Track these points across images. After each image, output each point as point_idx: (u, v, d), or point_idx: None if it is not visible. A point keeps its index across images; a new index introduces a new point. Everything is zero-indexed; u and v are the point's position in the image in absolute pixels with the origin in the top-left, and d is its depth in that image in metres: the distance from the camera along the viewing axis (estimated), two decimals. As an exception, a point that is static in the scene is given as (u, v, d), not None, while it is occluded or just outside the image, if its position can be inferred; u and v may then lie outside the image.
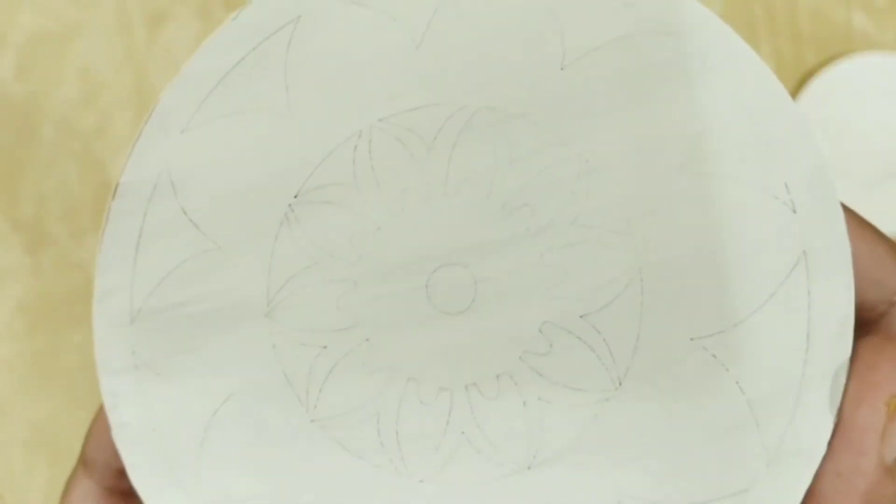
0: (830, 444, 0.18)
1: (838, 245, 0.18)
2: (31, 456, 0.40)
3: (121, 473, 0.21)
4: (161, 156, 0.20)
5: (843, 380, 0.18)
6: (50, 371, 0.41)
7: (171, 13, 0.41)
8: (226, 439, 0.19)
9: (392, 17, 0.20)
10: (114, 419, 0.20)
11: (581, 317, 0.19)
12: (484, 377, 0.19)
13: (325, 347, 0.19)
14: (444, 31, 0.20)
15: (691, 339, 0.18)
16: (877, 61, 0.40)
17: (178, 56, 0.41)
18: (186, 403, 0.19)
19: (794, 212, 0.18)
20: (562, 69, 0.19)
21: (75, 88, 0.41)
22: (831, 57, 0.40)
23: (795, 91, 0.40)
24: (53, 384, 0.41)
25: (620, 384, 0.19)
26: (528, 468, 0.19)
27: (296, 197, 0.20)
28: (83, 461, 0.22)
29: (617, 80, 0.19)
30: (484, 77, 0.19)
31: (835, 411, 0.18)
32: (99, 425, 0.21)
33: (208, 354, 0.20)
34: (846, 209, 0.19)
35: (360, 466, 0.19)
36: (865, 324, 0.19)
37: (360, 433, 0.19)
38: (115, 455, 0.20)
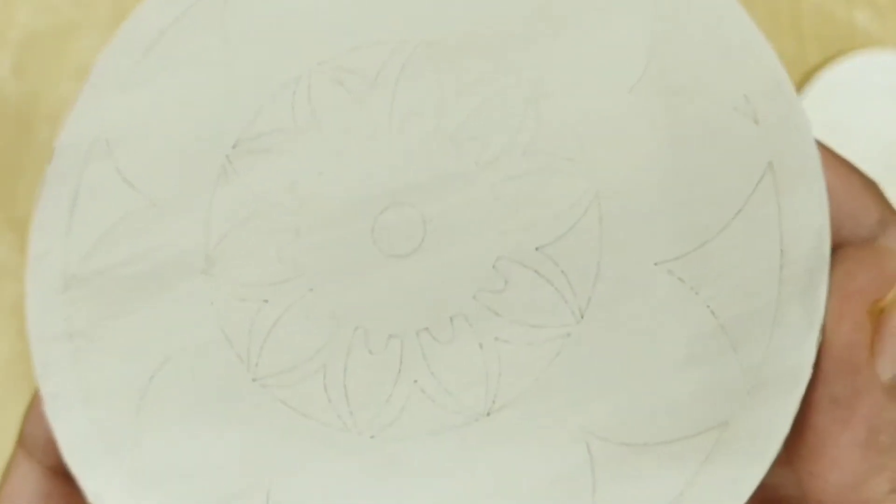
0: (820, 368, 0.16)
1: (806, 154, 0.17)
2: (26, 457, 0.40)
3: None
4: (98, 117, 0.19)
5: (822, 293, 0.16)
6: (46, 371, 0.40)
7: (170, 12, 0.41)
8: (164, 405, 0.18)
9: None
10: (45, 389, 0.19)
11: (536, 249, 0.18)
12: (436, 320, 0.18)
13: (266, 302, 0.18)
14: None
15: (655, 264, 0.17)
16: (879, 59, 0.40)
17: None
18: (121, 369, 0.18)
19: (756, 123, 0.17)
20: None
21: (72, 87, 0.40)
22: (834, 55, 0.40)
23: (798, 89, 0.40)
24: (49, 384, 0.40)
25: (582, 317, 0.17)
26: (487, 414, 0.17)
27: (234, 147, 0.19)
28: (21, 441, 0.20)
29: (563, 2, 0.18)
30: (424, 10, 0.19)
31: (817, 326, 0.16)
32: (38, 401, 0.20)
33: (143, 316, 0.19)
34: (817, 142, 0.18)
35: (307, 425, 0.18)
36: None
37: (306, 390, 0.18)
38: None
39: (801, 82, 0.40)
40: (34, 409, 0.20)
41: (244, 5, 0.19)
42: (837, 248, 0.17)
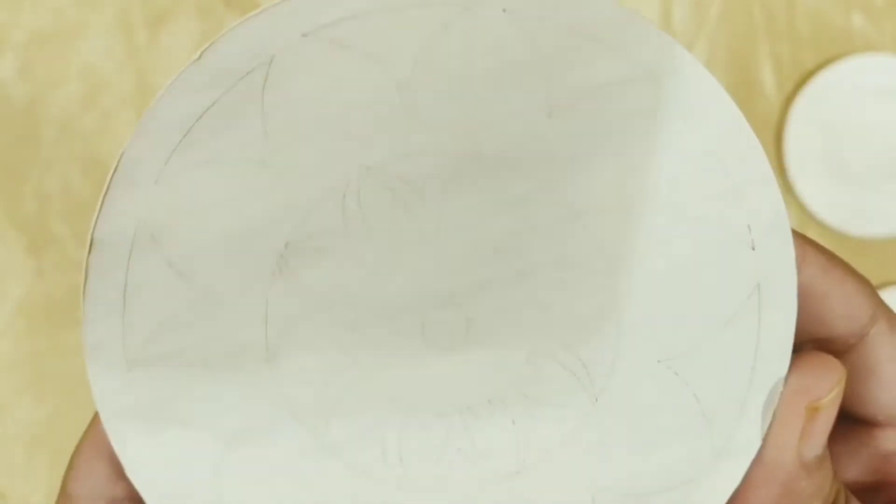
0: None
1: (788, 277, 0.21)
2: (32, 455, 0.40)
3: None
4: (135, 208, 0.20)
5: (779, 389, 0.21)
6: (51, 371, 0.41)
7: (173, 12, 0.41)
8: (239, 474, 0.20)
9: (374, 59, 0.20)
10: (124, 458, 0.20)
11: (564, 346, 0.21)
12: (477, 402, 0.21)
13: (326, 385, 0.20)
14: (429, 75, 0.20)
15: (658, 361, 0.21)
16: (875, 62, 0.40)
17: (179, 55, 0.41)
18: (196, 442, 0.20)
19: (753, 249, 0.21)
20: (549, 116, 0.20)
21: (77, 88, 0.41)
22: (830, 58, 0.41)
23: (795, 92, 0.40)
24: (54, 384, 0.41)
25: (597, 401, 0.21)
26: (517, 473, 0.21)
27: (286, 247, 0.20)
28: (66, 497, 0.21)
29: (602, 127, 0.20)
30: (470, 122, 0.20)
31: (770, 416, 0.21)
32: (83, 457, 0.21)
33: (213, 397, 0.20)
34: (817, 246, 0.22)
35: (366, 484, 0.21)
36: (836, 356, 0.21)
37: (367, 457, 0.21)
38: (103, 486, 0.20)
39: (798, 85, 0.41)
40: (78, 467, 0.21)
41: (284, 97, 0.19)
42: (831, 345, 0.22)
